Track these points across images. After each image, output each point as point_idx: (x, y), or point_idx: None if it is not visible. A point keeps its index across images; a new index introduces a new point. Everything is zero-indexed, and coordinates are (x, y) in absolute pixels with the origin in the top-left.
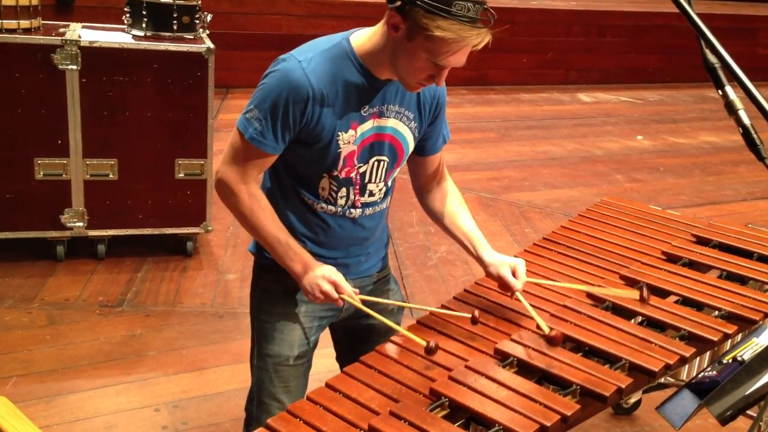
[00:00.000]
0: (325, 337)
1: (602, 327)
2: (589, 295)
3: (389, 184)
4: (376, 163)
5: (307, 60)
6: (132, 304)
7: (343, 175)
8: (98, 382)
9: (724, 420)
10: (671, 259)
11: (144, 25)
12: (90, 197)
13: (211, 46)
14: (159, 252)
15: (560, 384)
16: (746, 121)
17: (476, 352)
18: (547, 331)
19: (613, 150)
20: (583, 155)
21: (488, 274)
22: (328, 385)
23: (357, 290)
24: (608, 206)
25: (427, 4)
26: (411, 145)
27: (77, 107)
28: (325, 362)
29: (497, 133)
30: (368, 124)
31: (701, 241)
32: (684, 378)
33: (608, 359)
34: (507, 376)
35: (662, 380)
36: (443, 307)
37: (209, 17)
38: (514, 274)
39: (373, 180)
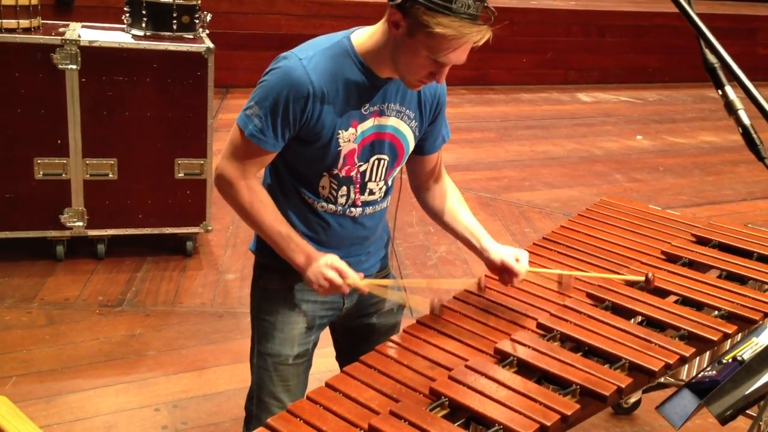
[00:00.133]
0: (325, 337)
1: (602, 327)
2: (590, 295)
3: (389, 183)
4: (376, 161)
5: (308, 58)
6: (132, 303)
7: (343, 173)
8: (98, 381)
9: (723, 420)
10: (671, 258)
11: (144, 25)
12: (90, 197)
13: (211, 45)
14: (159, 252)
15: (560, 384)
16: (746, 121)
17: (476, 351)
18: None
19: (613, 150)
20: (583, 155)
21: (491, 264)
22: (328, 385)
23: (361, 273)
24: (608, 206)
25: (427, 1)
26: (411, 144)
27: (77, 107)
28: (325, 362)
29: (497, 132)
30: (369, 123)
31: (701, 241)
32: (684, 378)
33: (608, 359)
34: (507, 375)
35: (662, 380)
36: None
37: (209, 17)
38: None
39: (373, 179)
